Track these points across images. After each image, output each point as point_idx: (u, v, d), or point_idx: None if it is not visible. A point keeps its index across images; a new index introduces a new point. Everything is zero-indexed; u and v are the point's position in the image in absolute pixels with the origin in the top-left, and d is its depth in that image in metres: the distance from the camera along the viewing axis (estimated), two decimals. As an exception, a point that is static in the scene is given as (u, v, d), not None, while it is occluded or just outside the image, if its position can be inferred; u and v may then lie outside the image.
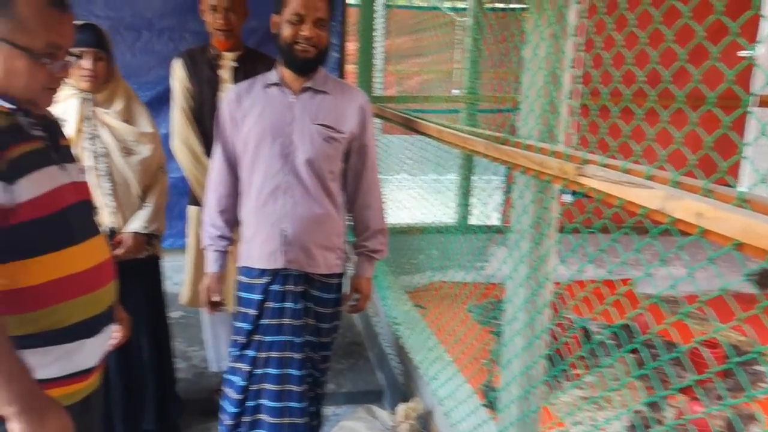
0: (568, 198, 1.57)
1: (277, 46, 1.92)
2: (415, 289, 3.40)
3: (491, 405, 2.12)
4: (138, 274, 2.21)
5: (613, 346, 2.32)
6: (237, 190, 2.04)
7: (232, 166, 2.03)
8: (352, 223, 2.15)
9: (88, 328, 1.31)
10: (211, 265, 2.07)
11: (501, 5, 2.93)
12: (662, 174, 1.03)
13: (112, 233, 2.13)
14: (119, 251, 2.10)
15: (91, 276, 1.31)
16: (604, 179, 1.12)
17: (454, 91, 3.76)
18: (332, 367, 3.19)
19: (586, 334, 2.77)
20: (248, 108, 1.95)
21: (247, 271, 2.02)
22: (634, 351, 1.31)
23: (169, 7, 3.86)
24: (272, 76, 1.97)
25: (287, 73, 1.95)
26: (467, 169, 4.04)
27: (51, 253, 1.23)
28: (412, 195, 3.32)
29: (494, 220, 4.04)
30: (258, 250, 1.98)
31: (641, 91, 1.17)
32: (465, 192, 4.09)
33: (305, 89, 1.95)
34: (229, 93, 2.02)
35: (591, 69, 1.27)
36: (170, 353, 2.48)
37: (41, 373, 1.19)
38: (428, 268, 3.52)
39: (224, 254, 2.08)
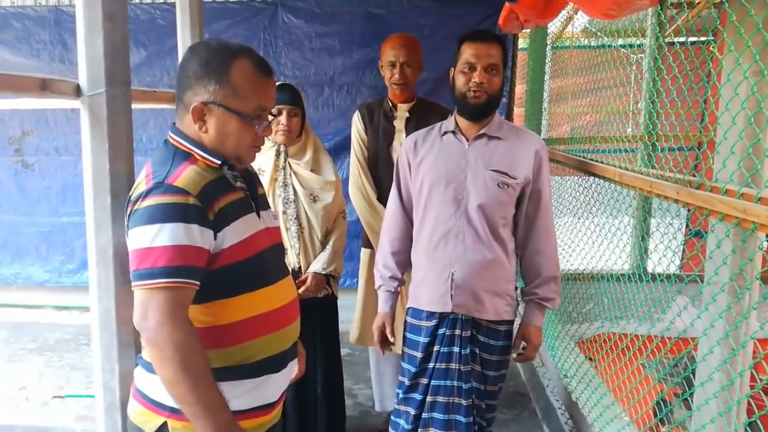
0: (764, 244, 1.41)
1: (453, 96, 2.00)
2: (584, 340, 3.21)
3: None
4: (316, 313, 2.36)
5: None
6: (410, 233, 2.10)
7: (407, 210, 2.10)
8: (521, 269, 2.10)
9: (276, 364, 1.40)
10: (382, 305, 2.13)
11: (683, 39, 2.75)
12: None
13: (295, 273, 2.29)
14: (302, 290, 2.26)
15: (281, 314, 1.41)
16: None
17: (628, 130, 3.57)
18: (496, 417, 3.11)
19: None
20: (424, 154, 2.03)
21: (415, 312, 2.05)
22: None
23: (348, 64, 4.22)
24: (449, 123, 2.04)
25: (462, 121, 2.00)
26: (644, 211, 3.78)
27: (249, 293, 1.34)
28: (581, 239, 3.17)
29: (675, 267, 3.71)
30: (427, 292, 2.00)
31: None
32: (642, 237, 3.83)
33: (479, 136, 1.98)
34: (408, 140, 2.11)
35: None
36: (342, 389, 2.58)
37: (232, 404, 1.29)
38: (599, 318, 3.31)
39: (396, 295, 2.13)
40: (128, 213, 1.27)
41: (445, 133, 2.03)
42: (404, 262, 2.13)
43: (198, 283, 1.23)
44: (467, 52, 1.92)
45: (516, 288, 2.07)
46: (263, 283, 1.37)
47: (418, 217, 2.05)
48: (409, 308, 2.09)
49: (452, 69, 2.00)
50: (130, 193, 1.31)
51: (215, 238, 1.26)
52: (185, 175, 1.25)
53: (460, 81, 1.95)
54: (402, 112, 2.66)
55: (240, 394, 1.33)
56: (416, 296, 2.06)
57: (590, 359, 2.88)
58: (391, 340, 2.11)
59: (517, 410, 3.21)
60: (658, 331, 2.17)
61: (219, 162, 1.32)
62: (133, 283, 1.22)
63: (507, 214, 1.98)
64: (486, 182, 1.93)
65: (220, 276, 1.29)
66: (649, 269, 3.89)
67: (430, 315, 2.00)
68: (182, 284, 1.20)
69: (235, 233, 1.30)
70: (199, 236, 1.22)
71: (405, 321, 2.11)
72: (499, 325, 2.01)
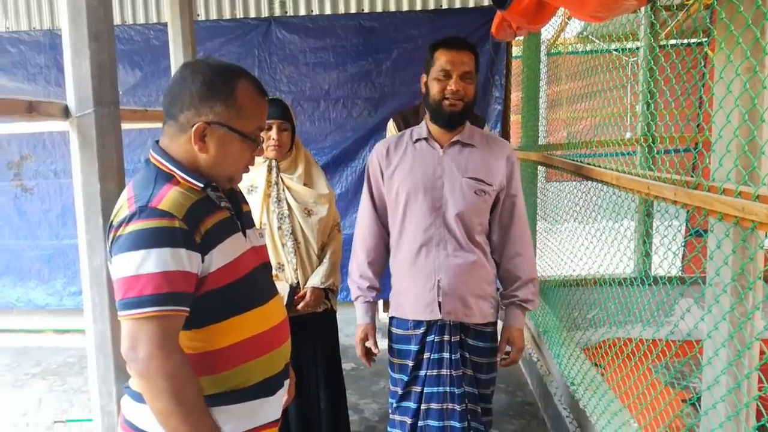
0: (765, 243, 1.39)
1: (426, 103, 1.99)
2: (590, 346, 3.18)
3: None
4: (316, 328, 2.34)
5: None
6: (385, 241, 2.08)
7: (381, 219, 2.07)
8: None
9: (270, 387, 1.36)
10: (362, 317, 2.09)
11: (677, 41, 2.75)
12: None
13: (293, 288, 2.27)
14: (301, 305, 2.24)
15: (273, 335, 1.37)
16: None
17: (627, 134, 3.56)
18: (504, 428, 3.07)
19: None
20: (398, 162, 2.01)
21: (400, 322, 2.04)
22: None
23: (342, 78, 4.24)
24: (422, 130, 2.02)
25: (434, 128, 2.00)
26: (645, 214, 3.75)
27: (239, 315, 1.30)
28: (582, 244, 3.15)
29: (676, 269, 3.69)
30: (412, 301, 1.99)
31: None
32: (644, 240, 3.80)
33: (453, 143, 1.98)
34: (379, 147, 2.08)
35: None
36: (345, 404, 2.55)
37: (226, 429, 1.26)
38: (604, 323, 3.29)
39: (374, 305, 2.10)
40: (111, 239, 1.21)
41: (418, 140, 2.01)
42: (381, 272, 2.11)
43: (187, 309, 1.19)
44: (442, 59, 1.91)
45: (496, 289, 2.07)
46: (254, 304, 1.34)
47: (396, 226, 2.02)
48: (392, 318, 2.07)
49: (425, 75, 1.98)
50: (111, 218, 1.25)
51: (202, 261, 1.22)
52: (169, 197, 1.20)
53: (435, 88, 1.93)
54: None
55: (232, 419, 1.29)
56: (399, 306, 2.04)
57: (597, 365, 2.85)
58: (375, 351, 2.08)
59: (526, 420, 3.17)
60: (663, 334, 2.15)
61: (201, 185, 1.28)
62: (119, 313, 1.17)
63: (484, 221, 1.99)
64: (463, 190, 1.93)
65: (209, 300, 1.24)
66: (652, 272, 3.86)
67: (418, 323, 1.99)
68: (171, 312, 1.15)
69: (223, 255, 1.26)
70: (186, 260, 1.17)
71: (389, 331, 2.08)
72: (485, 327, 2.02)
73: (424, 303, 1.96)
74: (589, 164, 2.43)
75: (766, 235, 1.29)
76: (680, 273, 3.70)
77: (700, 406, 1.59)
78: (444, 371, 1.97)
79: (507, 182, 1.98)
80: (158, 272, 1.14)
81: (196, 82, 1.25)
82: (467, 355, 1.99)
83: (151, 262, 1.14)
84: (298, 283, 2.28)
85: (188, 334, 1.25)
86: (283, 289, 2.23)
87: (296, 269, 2.27)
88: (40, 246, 4.57)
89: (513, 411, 3.25)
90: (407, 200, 1.96)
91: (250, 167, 1.38)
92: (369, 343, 2.07)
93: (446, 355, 1.97)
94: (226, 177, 1.33)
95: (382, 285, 2.11)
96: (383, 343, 2.11)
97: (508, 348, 2.05)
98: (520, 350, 2.04)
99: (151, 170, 1.29)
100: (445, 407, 1.97)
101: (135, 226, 1.16)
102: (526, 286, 2.01)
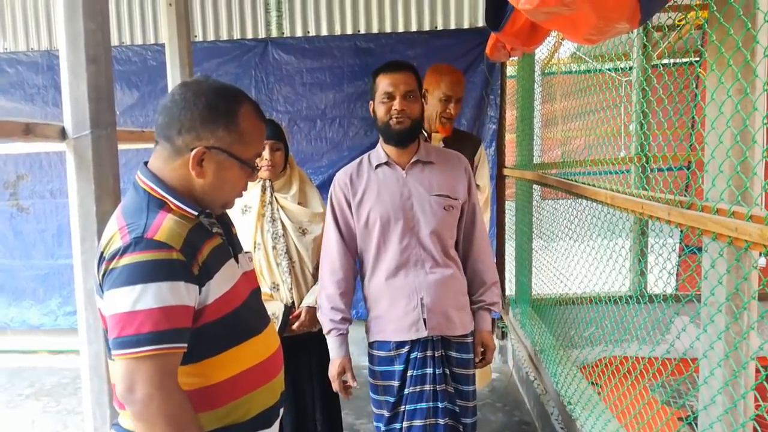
0: (761, 261, 1.39)
1: (376, 127, 2.04)
2: (586, 365, 3.17)
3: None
4: (311, 348, 2.32)
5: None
6: (354, 271, 2.10)
7: (350, 248, 2.08)
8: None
9: (267, 419, 1.31)
10: (337, 350, 2.05)
11: (670, 60, 2.78)
12: None
13: (288, 308, 2.26)
14: (296, 325, 2.23)
15: (270, 364, 1.33)
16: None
17: (621, 153, 3.58)
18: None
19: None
20: (363, 190, 2.03)
21: (382, 344, 2.04)
22: None
23: (339, 98, 4.27)
24: (380, 155, 2.06)
25: (391, 150, 2.04)
26: (640, 233, 3.76)
27: (236, 346, 1.25)
28: (578, 262, 3.15)
29: (671, 288, 3.69)
30: (395, 323, 2.00)
31: None
32: (639, 258, 3.81)
33: (414, 163, 2.02)
34: (340, 177, 2.09)
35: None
36: (340, 424, 2.52)
37: None
38: (601, 342, 3.28)
39: (347, 336, 2.07)
40: (102, 272, 1.13)
41: (378, 165, 2.04)
42: (351, 301, 2.11)
43: (186, 345, 1.13)
44: (384, 83, 1.97)
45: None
46: (250, 333, 1.29)
47: (371, 251, 2.03)
48: (374, 342, 2.07)
49: (371, 102, 2.03)
50: (101, 248, 1.17)
51: (199, 292, 1.17)
52: (165, 227, 1.14)
53: (381, 111, 1.98)
54: (437, 141, 2.70)
55: None
56: (381, 329, 2.04)
57: (593, 384, 2.83)
58: (353, 384, 2.06)
59: (523, 440, 3.15)
60: (660, 353, 2.15)
61: (195, 213, 1.23)
62: (114, 352, 1.09)
63: (455, 234, 2.07)
64: (433, 208, 1.98)
65: (206, 333, 1.19)
66: (647, 290, 3.87)
67: (400, 344, 2.01)
68: (171, 350, 1.09)
69: (219, 285, 1.21)
70: (185, 294, 1.12)
71: (371, 354, 2.08)
72: (466, 338, 2.06)
73: (409, 323, 1.98)
74: (583, 183, 2.45)
75: (759, 255, 1.30)
76: (675, 291, 3.70)
77: (696, 425, 1.59)
78: (427, 387, 1.98)
79: (468, 193, 2.07)
80: (156, 308, 1.07)
81: (198, 105, 1.19)
82: (448, 372, 2.02)
83: (149, 297, 1.07)
84: (293, 302, 2.27)
85: (185, 369, 1.18)
86: (278, 308, 2.23)
87: (291, 289, 2.27)
88: (35, 266, 4.56)
89: (510, 431, 3.22)
90: (382, 226, 1.99)
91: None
92: (346, 377, 2.05)
93: (429, 370, 1.99)
94: (220, 203, 1.29)
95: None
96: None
97: (482, 349, 2.12)
98: (492, 350, 2.14)
99: (141, 196, 1.22)
100: (428, 423, 1.98)
101: (131, 258, 1.09)
102: (491, 289, 2.11)
